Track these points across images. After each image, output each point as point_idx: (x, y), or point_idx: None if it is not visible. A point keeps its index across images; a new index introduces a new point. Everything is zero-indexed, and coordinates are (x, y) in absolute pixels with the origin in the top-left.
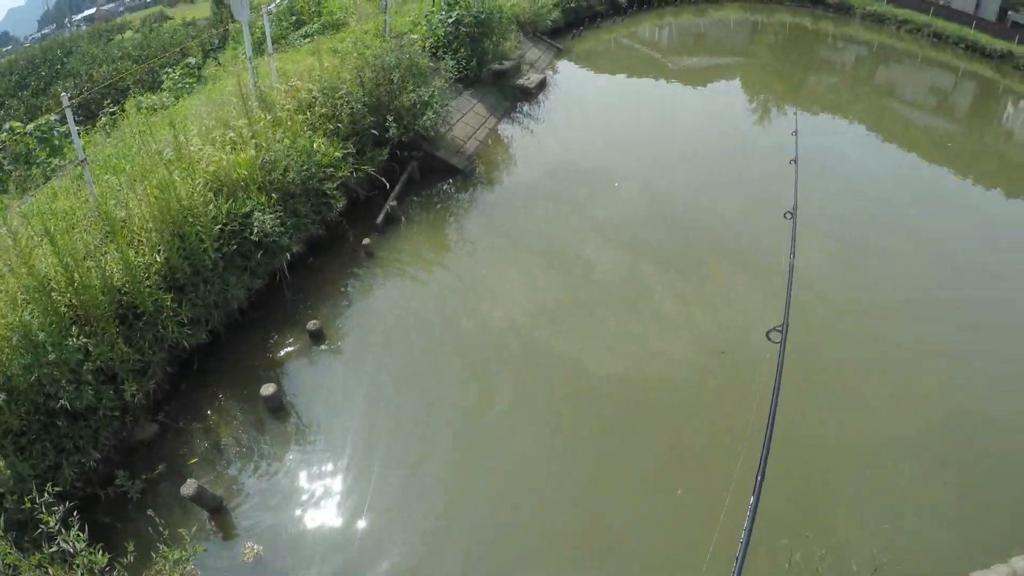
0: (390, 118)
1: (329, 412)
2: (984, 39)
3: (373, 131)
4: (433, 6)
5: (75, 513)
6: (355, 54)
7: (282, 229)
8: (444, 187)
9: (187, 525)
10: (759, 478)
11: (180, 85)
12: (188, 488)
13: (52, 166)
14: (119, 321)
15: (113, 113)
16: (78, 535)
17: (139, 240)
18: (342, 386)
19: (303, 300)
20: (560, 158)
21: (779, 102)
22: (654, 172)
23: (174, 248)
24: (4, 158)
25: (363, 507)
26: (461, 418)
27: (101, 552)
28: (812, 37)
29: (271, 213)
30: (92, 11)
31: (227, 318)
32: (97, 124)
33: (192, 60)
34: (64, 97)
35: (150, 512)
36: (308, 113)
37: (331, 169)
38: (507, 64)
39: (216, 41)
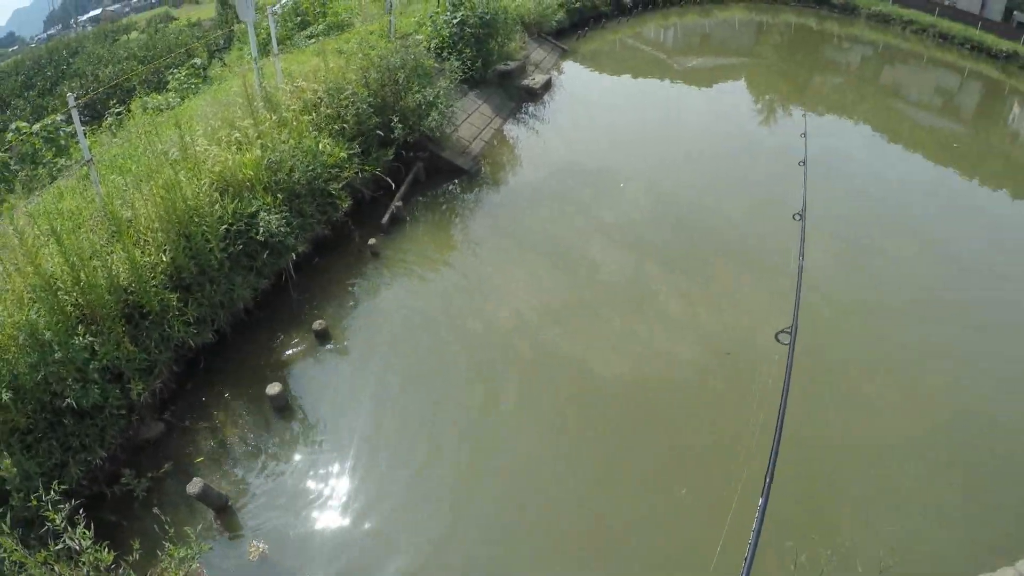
0: (395, 119)
1: (335, 411)
2: (990, 39)
3: (378, 132)
4: (438, 7)
5: (81, 511)
6: (360, 55)
7: (288, 229)
8: (449, 188)
9: (193, 523)
10: (768, 479)
11: (186, 85)
12: (194, 487)
13: (58, 166)
14: (125, 320)
15: (119, 113)
16: (84, 533)
17: (145, 240)
18: (348, 386)
19: (309, 300)
20: (565, 159)
21: (784, 103)
22: (660, 173)
23: (180, 248)
24: (10, 158)
25: (369, 506)
26: (467, 418)
27: (107, 550)
28: (817, 37)
29: (277, 213)
30: (98, 12)
31: (233, 318)
32: (103, 124)
33: (198, 61)
34: (70, 97)
35: (156, 510)
36: (314, 113)
37: (336, 169)
38: (512, 65)
39: (221, 42)
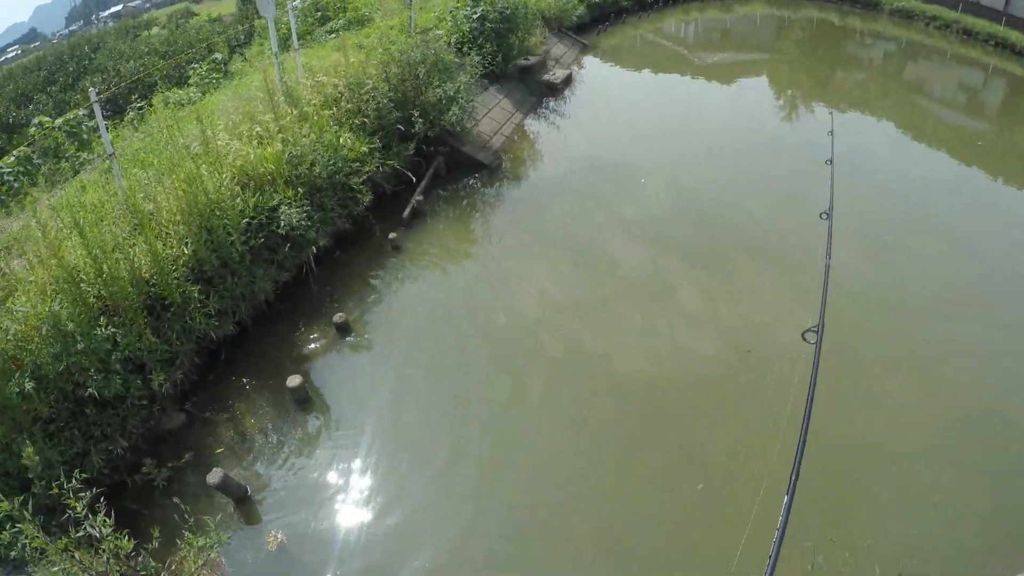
0: (416, 113)
1: (355, 404)
2: (1014, 36)
3: (399, 126)
4: (458, 2)
5: (102, 499)
6: (380, 50)
7: (308, 223)
8: (470, 182)
9: (212, 513)
10: (793, 477)
11: (207, 80)
12: (214, 477)
13: (81, 160)
14: (147, 312)
15: (141, 108)
16: (104, 521)
17: (167, 233)
18: (368, 378)
19: (329, 293)
20: (586, 154)
21: (807, 99)
22: (681, 168)
23: (202, 241)
24: (34, 152)
25: (388, 500)
26: (488, 412)
27: (127, 538)
28: (839, 33)
29: (298, 207)
30: (119, 7)
31: (254, 310)
32: (125, 119)
33: (218, 56)
34: (92, 92)
35: (176, 499)
36: (334, 108)
37: (357, 164)
38: (533, 60)
39: (242, 37)
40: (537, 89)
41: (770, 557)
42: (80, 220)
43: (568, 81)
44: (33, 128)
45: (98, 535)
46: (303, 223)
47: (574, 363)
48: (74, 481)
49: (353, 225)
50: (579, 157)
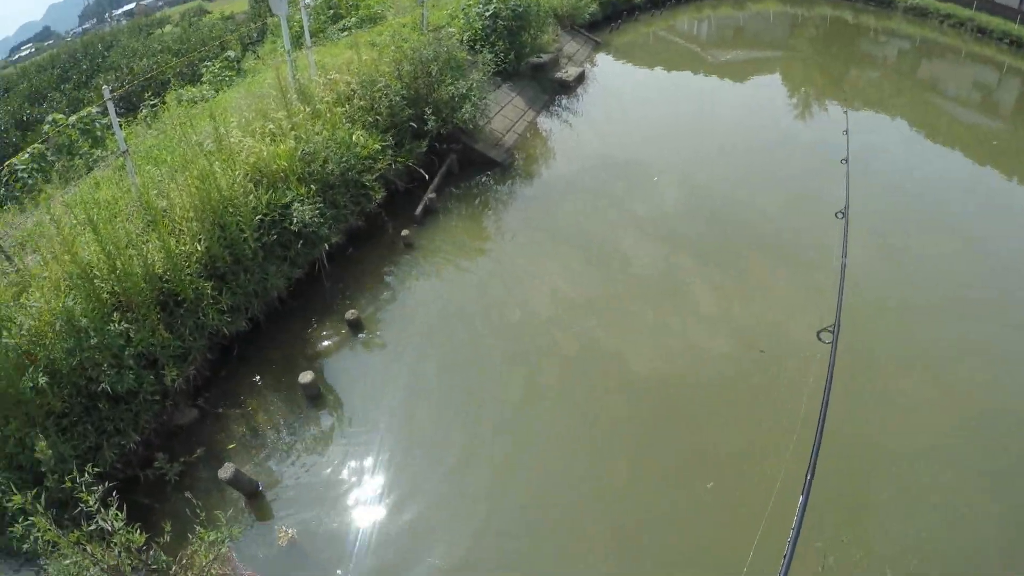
0: (428, 111)
1: (366, 400)
2: None
3: (412, 124)
4: None
5: (114, 493)
6: (393, 47)
7: (321, 220)
8: (482, 180)
9: (223, 508)
10: (809, 476)
11: (220, 78)
12: (226, 472)
13: (94, 157)
14: (160, 308)
15: (154, 105)
16: (116, 514)
17: (180, 229)
18: (380, 375)
19: (342, 290)
20: (598, 151)
21: (820, 98)
22: (693, 166)
23: (215, 237)
24: (48, 149)
25: (400, 496)
26: (500, 410)
27: (139, 531)
28: (853, 31)
29: (310, 204)
30: (132, 6)
31: (267, 307)
32: (138, 116)
33: (231, 53)
34: (106, 90)
35: (188, 494)
36: (347, 105)
37: (370, 161)
38: (545, 57)
39: (255, 35)
40: (549, 87)
41: (784, 557)
42: (94, 217)
43: (581, 79)
44: (47, 125)
45: (110, 529)
46: (316, 220)
47: (587, 361)
48: (87, 475)
49: (366, 222)
50: (591, 155)
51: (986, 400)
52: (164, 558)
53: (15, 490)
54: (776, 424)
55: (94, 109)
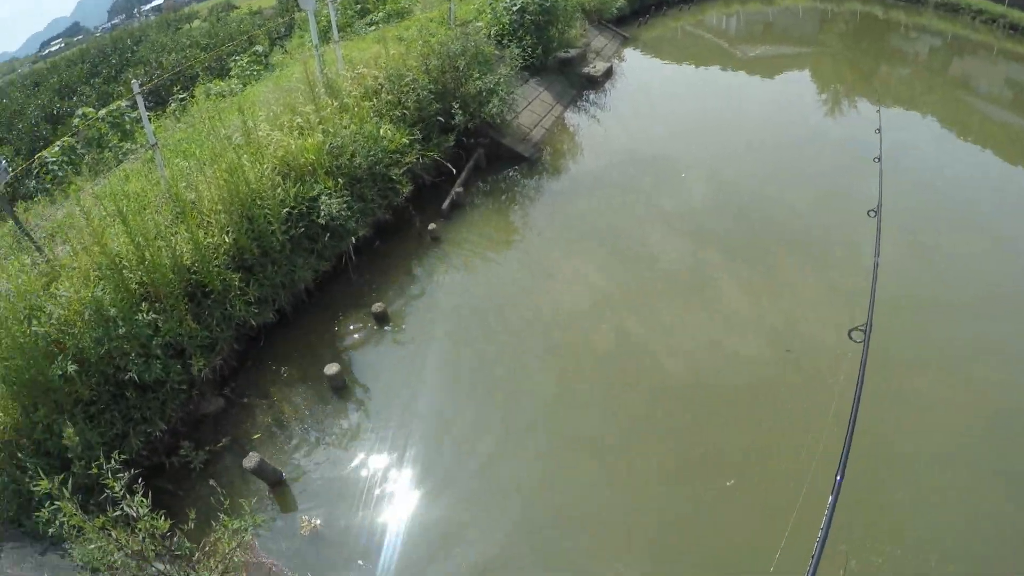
0: (456, 105)
1: (391, 393)
2: None
3: (439, 118)
4: None
5: (140, 480)
6: (420, 42)
7: (349, 213)
8: (510, 174)
9: (247, 497)
10: (838, 477)
11: (248, 72)
12: (250, 461)
13: (124, 150)
14: (188, 299)
15: (183, 99)
16: (142, 501)
17: (208, 221)
18: (405, 368)
19: (369, 283)
20: (626, 147)
21: (851, 94)
22: (721, 162)
23: (243, 230)
24: (78, 142)
25: (427, 491)
26: (525, 405)
27: (163, 518)
28: (883, 26)
29: (338, 197)
30: (160, 1)
31: (294, 298)
32: (167, 110)
33: (259, 48)
34: (135, 84)
35: (212, 482)
36: (374, 100)
37: (397, 155)
38: (573, 52)
39: (282, 29)
40: (577, 82)
41: (812, 557)
42: (123, 208)
43: (608, 74)
44: (77, 119)
45: (135, 515)
46: (343, 213)
47: (616, 358)
48: (113, 462)
49: (393, 216)
50: (619, 150)
51: (1016, 403)
52: (187, 544)
53: (42, 475)
54: (805, 424)
55: (123, 103)
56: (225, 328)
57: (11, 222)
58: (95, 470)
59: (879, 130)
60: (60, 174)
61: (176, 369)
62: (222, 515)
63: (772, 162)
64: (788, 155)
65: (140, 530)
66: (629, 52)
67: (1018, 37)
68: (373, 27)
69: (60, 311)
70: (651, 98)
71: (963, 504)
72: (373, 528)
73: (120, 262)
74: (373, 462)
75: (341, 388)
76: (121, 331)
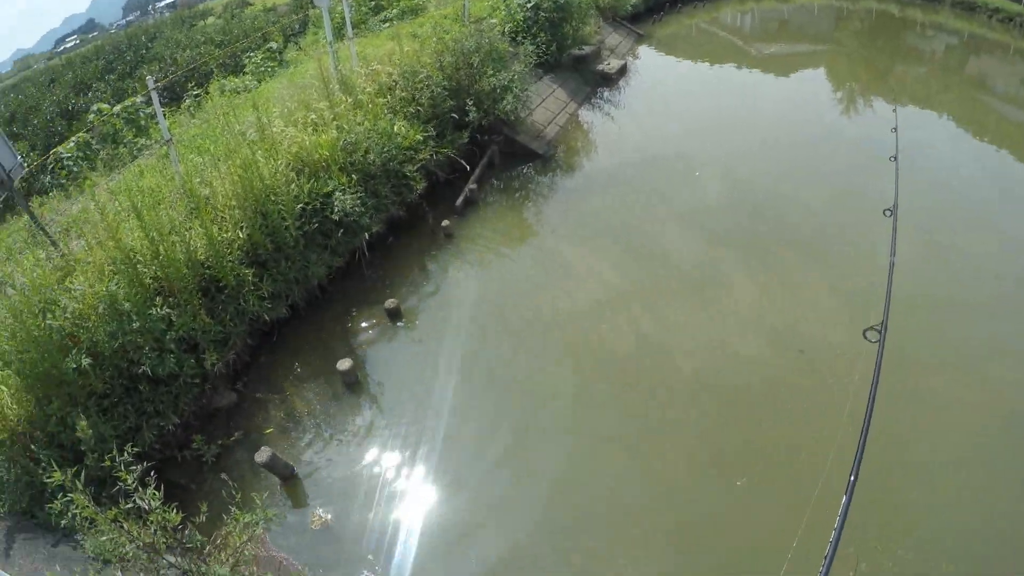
0: (470, 102)
1: (403, 389)
2: None
3: (453, 115)
4: None
5: (152, 473)
6: (434, 39)
7: (362, 209)
8: (524, 171)
9: (259, 491)
10: (852, 478)
11: (262, 69)
12: (262, 455)
13: (138, 145)
14: (202, 293)
15: (197, 95)
16: (154, 494)
17: (222, 217)
18: (417, 364)
19: (382, 279)
20: (640, 145)
21: (866, 93)
22: (736, 160)
23: (256, 225)
24: (93, 138)
25: (437, 488)
26: (536, 402)
27: (175, 511)
28: (899, 24)
29: (351, 193)
30: None
31: (307, 294)
32: (182, 106)
33: (273, 45)
34: (150, 80)
35: (224, 476)
36: (388, 96)
37: (411, 151)
38: (587, 49)
39: (296, 26)
40: (591, 79)
41: (825, 558)
42: (137, 203)
43: (623, 71)
44: (92, 115)
45: (147, 507)
46: (357, 209)
47: (630, 357)
48: (126, 455)
49: (406, 212)
50: (633, 148)
51: None
52: (199, 537)
53: (55, 467)
54: (818, 425)
55: (138, 99)
56: (238, 323)
57: (26, 217)
58: (108, 463)
59: (895, 129)
60: (75, 169)
61: (189, 363)
62: (233, 509)
63: (787, 160)
64: (803, 153)
65: (152, 522)
66: (643, 49)
67: None
68: (387, 24)
69: (75, 305)
70: (665, 96)
71: (978, 505)
72: (384, 525)
73: (134, 257)
74: (385, 458)
75: (353, 383)
76: (135, 325)
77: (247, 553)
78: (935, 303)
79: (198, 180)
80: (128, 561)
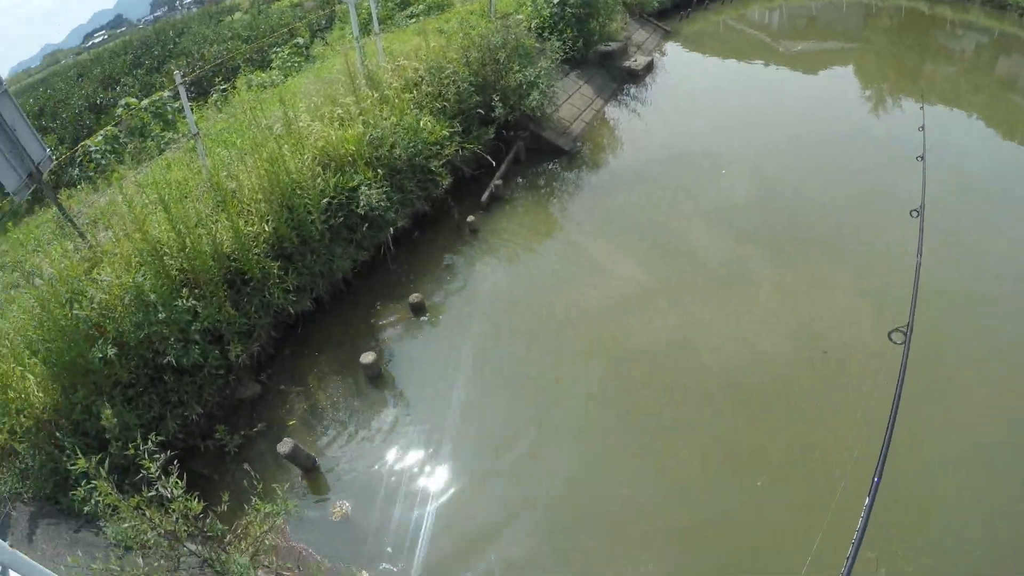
0: (496, 98)
1: (426, 383)
2: None
3: (479, 110)
4: None
5: (175, 462)
6: (461, 34)
7: (388, 204)
8: (549, 167)
9: (280, 482)
10: (876, 479)
11: (289, 64)
12: (284, 446)
13: (166, 139)
14: (227, 286)
15: (224, 90)
16: (176, 482)
17: (249, 210)
18: (442, 359)
19: (406, 273)
20: (667, 142)
21: (895, 92)
22: (763, 158)
23: (282, 219)
24: (121, 132)
25: (457, 485)
26: (559, 399)
27: (197, 500)
28: (928, 22)
29: (377, 188)
30: None
31: (332, 287)
32: (209, 100)
33: (300, 40)
34: (177, 75)
35: (246, 466)
36: (415, 92)
37: (437, 147)
38: (614, 46)
39: (323, 22)
40: (618, 75)
41: (848, 558)
42: (165, 196)
43: (649, 68)
44: (120, 109)
45: (169, 496)
46: (382, 204)
47: (656, 355)
48: (149, 443)
49: (432, 207)
50: (660, 145)
51: None
52: (220, 526)
53: (80, 455)
54: (842, 426)
55: (166, 93)
56: (263, 315)
57: (55, 209)
58: (131, 451)
59: (922, 128)
60: (103, 162)
61: (214, 354)
62: (255, 499)
63: (814, 159)
64: (831, 152)
65: (174, 511)
66: (670, 46)
67: None
68: (413, 19)
69: (101, 296)
70: (692, 92)
71: (1007, 510)
72: (405, 518)
73: (161, 249)
74: (407, 452)
75: (377, 377)
76: (161, 316)
77: (267, 543)
78: (963, 305)
79: (225, 174)
80: (149, 548)
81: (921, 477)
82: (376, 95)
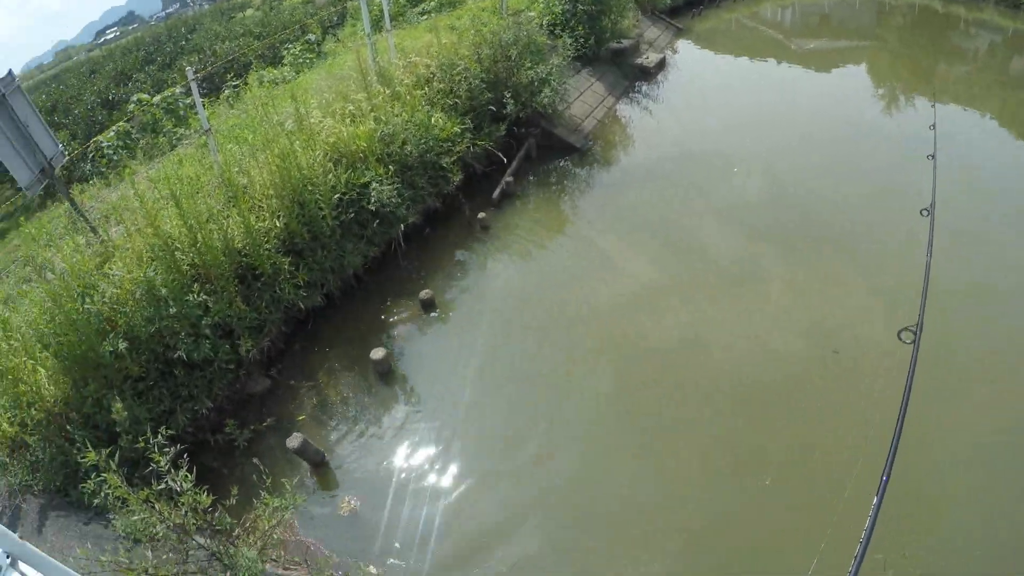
0: (508, 94)
1: (436, 379)
2: None
3: (491, 107)
4: None
5: (184, 456)
6: (472, 31)
7: (399, 200)
8: (561, 164)
9: (289, 476)
10: (884, 478)
11: (300, 60)
12: (294, 441)
13: (178, 135)
14: (238, 281)
15: (236, 86)
16: (186, 476)
17: (260, 206)
18: (451, 355)
19: (417, 269)
20: (678, 139)
21: (907, 90)
22: (774, 156)
23: (293, 214)
24: (133, 127)
25: (466, 483)
26: (569, 396)
27: (206, 493)
28: (942, 21)
29: (388, 184)
30: None
31: (342, 283)
32: (221, 97)
33: (312, 36)
34: (189, 71)
35: (255, 460)
36: (426, 88)
37: (448, 143)
38: (626, 43)
39: (335, 18)
40: (630, 73)
41: (855, 557)
42: (176, 192)
43: (661, 65)
44: (132, 105)
45: (178, 489)
46: (393, 200)
47: (667, 353)
48: (159, 437)
49: (443, 204)
50: (671, 142)
51: None
52: (228, 520)
53: (90, 447)
54: (850, 425)
55: (178, 90)
56: (274, 310)
57: (67, 204)
58: (141, 444)
59: (933, 126)
60: (115, 158)
61: (224, 349)
62: (263, 493)
63: (827, 157)
64: (843, 150)
65: (183, 504)
66: (682, 43)
67: None
68: (425, 16)
69: (113, 290)
70: (704, 90)
71: (1016, 508)
72: (413, 514)
73: (172, 244)
74: (416, 449)
75: (387, 373)
76: (172, 311)
77: (275, 537)
78: (973, 304)
79: (236, 169)
80: (158, 541)
81: (931, 476)
82: (388, 91)
